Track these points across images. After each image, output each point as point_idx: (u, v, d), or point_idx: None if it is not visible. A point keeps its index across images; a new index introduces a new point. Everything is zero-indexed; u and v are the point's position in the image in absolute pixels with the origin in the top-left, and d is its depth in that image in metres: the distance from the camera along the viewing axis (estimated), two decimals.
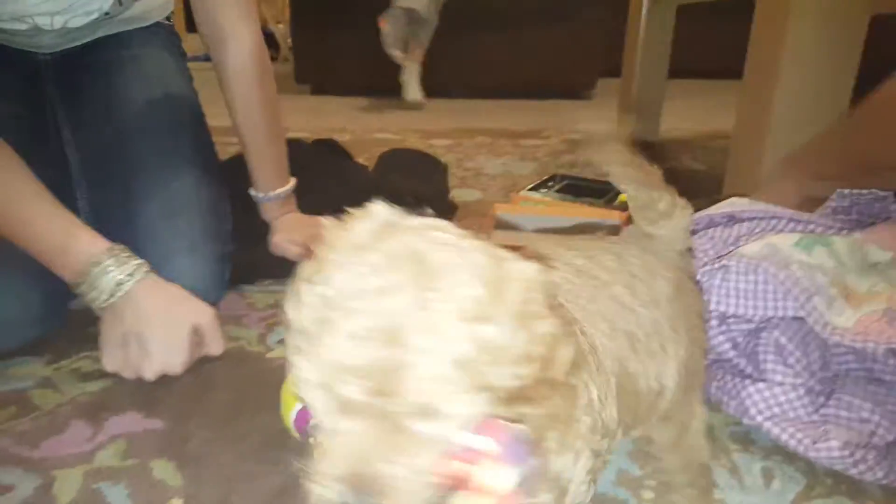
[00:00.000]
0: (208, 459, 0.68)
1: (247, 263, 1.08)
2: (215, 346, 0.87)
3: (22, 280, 0.86)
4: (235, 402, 0.78)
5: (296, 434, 0.68)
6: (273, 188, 1.10)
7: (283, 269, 1.12)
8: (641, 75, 2.03)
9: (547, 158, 1.95)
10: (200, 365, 0.86)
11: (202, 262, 0.94)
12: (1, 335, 0.85)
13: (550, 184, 1.51)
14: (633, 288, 0.52)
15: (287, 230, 1.11)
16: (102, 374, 0.84)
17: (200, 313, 0.85)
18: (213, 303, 0.98)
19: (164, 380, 0.82)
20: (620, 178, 0.58)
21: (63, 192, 0.91)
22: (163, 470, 0.68)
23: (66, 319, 0.93)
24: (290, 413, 0.68)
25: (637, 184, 0.58)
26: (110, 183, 0.97)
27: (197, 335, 0.84)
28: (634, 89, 2.04)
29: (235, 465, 0.68)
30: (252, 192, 1.11)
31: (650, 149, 2.02)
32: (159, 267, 0.89)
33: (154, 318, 0.80)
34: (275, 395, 0.70)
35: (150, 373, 0.80)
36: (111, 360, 0.81)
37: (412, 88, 2.76)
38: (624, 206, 1.35)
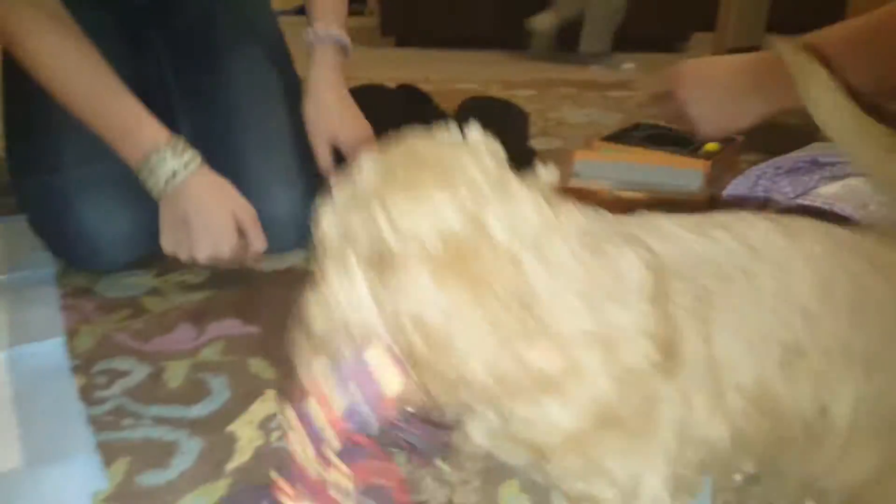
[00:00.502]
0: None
1: None
2: (258, 242, 0.92)
3: (139, 201, 0.94)
4: None
5: None
6: (329, 25, 1.03)
7: None
8: (737, 28, 1.96)
9: (634, 110, 1.93)
10: (292, 282, 0.93)
11: (296, 192, 1.01)
12: (116, 250, 0.95)
13: (633, 132, 1.51)
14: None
15: (325, 117, 1.03)
16: (204, 286, 0.93)
17: (242, 207, 0.91)
18: (306, 231, 1.05)
19: (259, 293, 0.91)
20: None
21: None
22: (258, 366, 0.75)
23: None
24: None
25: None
26: (211, 122, 1.04)
27: (240, 228, 0.90)
28: (729, 42, 1.98)
29: None
30: (306, 32, 1.04)
31: None
32: (258, 196, 0.96)
33: (203, 206, 0.86)
34: None
35: (201, 255, 0.86)
36: (168, 242, 0.88)
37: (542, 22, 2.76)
38: (708, 156, 1.34)
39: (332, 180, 0.91)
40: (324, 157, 1.02)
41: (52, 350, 0.78)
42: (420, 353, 0.36)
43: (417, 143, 0.40)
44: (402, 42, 3.16)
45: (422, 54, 3.00)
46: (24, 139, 0.94)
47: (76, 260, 0.96)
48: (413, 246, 0.35)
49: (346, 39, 1.04)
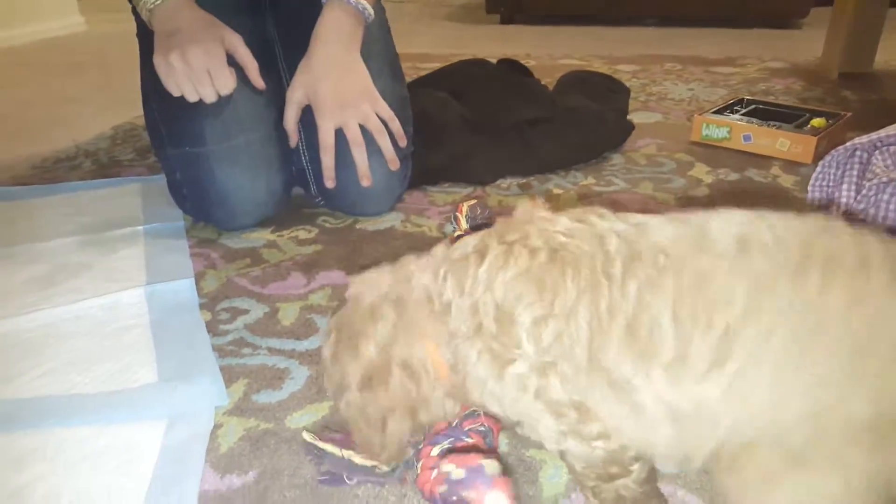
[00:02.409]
0: None
1: (429, 169, 1.20)
2: (251, 64, 0.99)
3: (269, 172, 1.04)
4: None
5: None
6: None
7: (458, 174, 1.24)
8: (859, 2, 1.86)
9: (740, 86, 1.88)
10: (389, 240, 1.01)
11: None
12: (249, 213, 1.05)
13: (737, 107, 1.48)
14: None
15: (305, 73, 1.02)
16: (314, 242, 1.02)
17: (230, 32, 0.98)
18: (398, 194, 1.13)
19: (361, 248, 0.99)
20: None
21: (279, 99, 1.07)
22: None
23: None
24: None
25: None
26: None
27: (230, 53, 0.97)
28: (849, 17, 1.88)
29: None
30: None
31: (860, 80, 1.87)
32: (353, 165, 1.04)
33: (192, 22, 0.94)
34: None
35: (195, 62, 0.93)
36: (160, 60, 0.94)
37: None
38: (815, 132, 1.30)
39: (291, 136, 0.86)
40: (289, 114, 1.03)
41: (183, 288, 0.88)
42: None
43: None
44: (507, 19, 3.18)
45: (525, 31, 3.02)
46: (168, 114, 1.03)
47: (214, 221, 1.06)
48: None
49: (363, 4, 1.02)
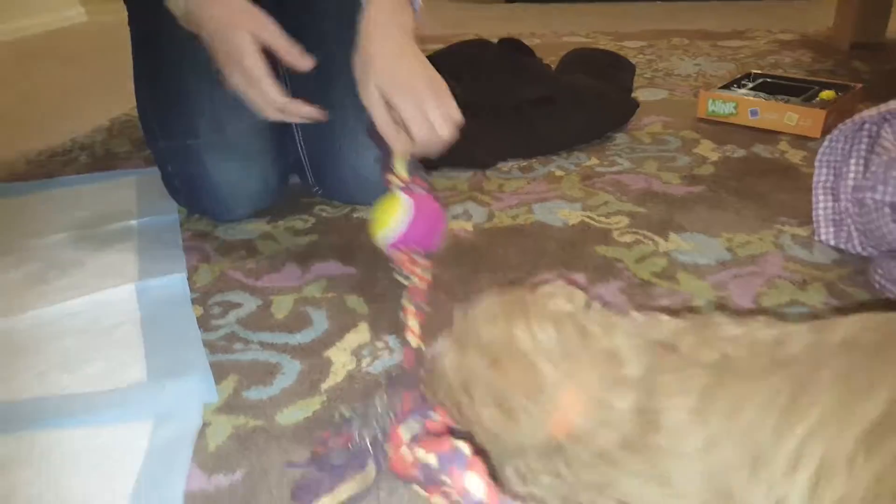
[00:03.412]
0: (389, 297, 0.81)
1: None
2: (289, 53, 0.87)
3: (263, 162, 1.03)
4: None
5: (384, 251, 0.80)
6: None
7: (458, 158, 1.21)
8: None
9: (748, 60, 1.83)
10: None
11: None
12: (243, 205, 1.03)
13: (744, 82, 1.45)
14: None
15: (370, 72, 0.84)
16: (310, 232, 1.00)
17: (263, 25, 0.85)
18: None
19: (357, 238, 0.97)
20: None
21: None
22: (354, 302, 0.81)
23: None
24: (383, 231, 0.79)
25: None
26: (311, 86, 1.08)
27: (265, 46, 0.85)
28: None
29: None
30: None
31: (872, 50, 1.82)
32: (348, 141, 1.02)
33: (220, 24, 0.84)
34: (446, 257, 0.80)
35: (232, 77, 0.84)
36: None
37: None
38: (824, 105, 1.27)
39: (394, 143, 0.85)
40: (378, 116, 0.83)
41: (175, 283, 0.87)
42: None
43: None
44: None
45: (531, 8, 2.97)
46: (159, 106, 1.01)
47: (208, 213, 1.05)
48: None
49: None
